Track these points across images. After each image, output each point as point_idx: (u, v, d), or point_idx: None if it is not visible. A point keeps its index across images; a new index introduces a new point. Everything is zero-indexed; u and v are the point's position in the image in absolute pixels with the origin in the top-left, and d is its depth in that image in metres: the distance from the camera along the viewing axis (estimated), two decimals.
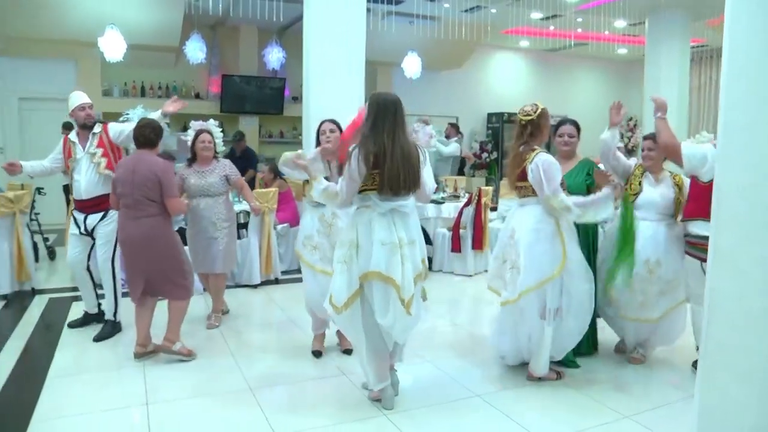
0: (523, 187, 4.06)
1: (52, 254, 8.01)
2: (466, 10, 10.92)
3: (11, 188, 7.42)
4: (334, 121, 4.37)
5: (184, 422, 3.57)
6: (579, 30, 12.16)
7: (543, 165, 3.88)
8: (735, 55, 2.57)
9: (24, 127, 10.93)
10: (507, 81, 15.28)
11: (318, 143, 4.34)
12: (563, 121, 4.63)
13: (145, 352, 4.50)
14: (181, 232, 5.98)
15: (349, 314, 3.57)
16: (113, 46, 9.19)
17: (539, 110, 4.06)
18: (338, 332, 4.69)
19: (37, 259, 7.01)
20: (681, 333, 4.53)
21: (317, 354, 4.62)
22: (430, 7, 10.37)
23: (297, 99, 12.14)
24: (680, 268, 4.27)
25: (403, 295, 3.49)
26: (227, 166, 5.45)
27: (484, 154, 13.82)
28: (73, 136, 5.12)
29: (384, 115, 3.49)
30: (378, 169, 3.45)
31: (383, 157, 3.43)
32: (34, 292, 6.35)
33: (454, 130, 11.14)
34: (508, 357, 4.32)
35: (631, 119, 14.82)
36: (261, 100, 12.28)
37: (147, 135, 4.47)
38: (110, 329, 5.03)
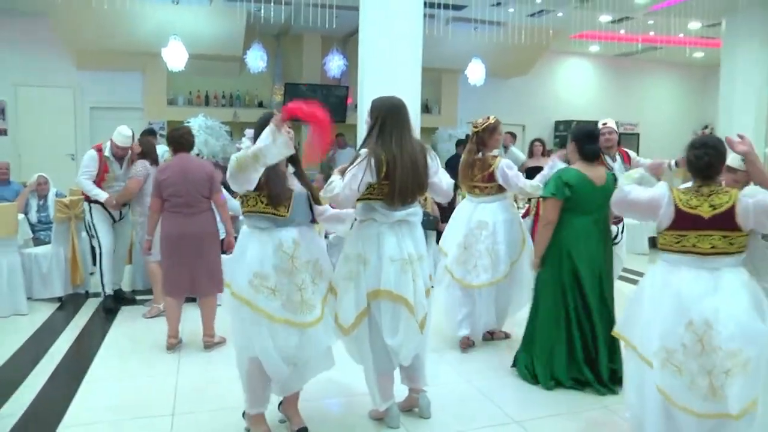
0: (488, 187, 4.84)
1: None
2: (531, 15, 10.63)
3: (73, 194, 7.57)
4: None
5: None
6: (651, 33, 11.65)
7: (507, 167, 4.74)
8: None
9: (95, 134, 11.25)
10: (576, 88, 14.86)
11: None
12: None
13: (177, 342, 4.85)
14: None
15: (355, 335, 3.37)
16: (176, 57, 9.42)
17: (485, 124, 4.86)
18: (285, 406, 3.52)
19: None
20: None
21: None
22: (494, 12, 10.12)
23: None
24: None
25: (417, 315, 3.33)
26: None
27: None
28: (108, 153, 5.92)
29: (391, 122, 3.32)
30: (387, 179, 3.26)
31: (393, 167, 3.25)
32: (88, 295, 6.45)
33: (512, 138, 10.67)
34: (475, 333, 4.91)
35: (706, 127, 14.10)
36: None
37: (190, 140, 5.07)
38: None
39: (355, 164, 3.25)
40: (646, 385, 2.96)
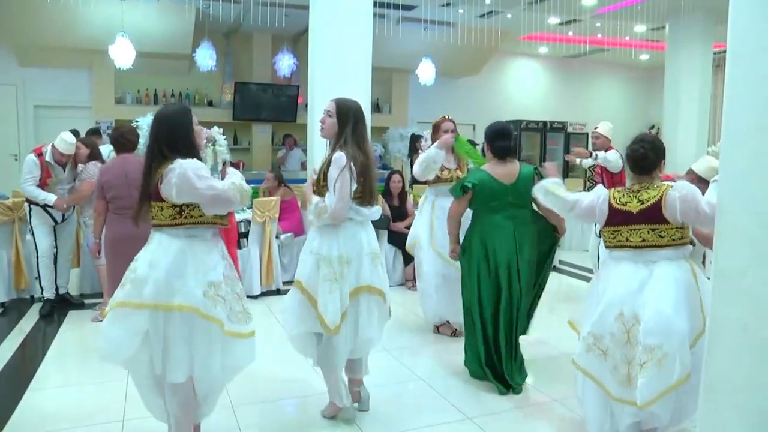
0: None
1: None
2: (481, 16, 10.74)
3: (17, 195, 7.35)
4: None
5: None
6: (599, 35, 11.90)
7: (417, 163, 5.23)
8: (738, 57, 2.34)
9: (39, 134, 10.93)
10: (525, 88, 15.06)
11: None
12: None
13: None
14: None
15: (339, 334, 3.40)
16: (123, 54, 9.20)
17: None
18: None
19: None
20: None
21: None
22: (444, 12, 10.20)
23: None
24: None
25: (389, 303, 3.55)
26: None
27: None
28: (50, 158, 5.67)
29: (362, 122, 3.45)
30: (362, 179, 3.37)
31: (366, 168, 3.38)
32: (33, 300, 6.26)
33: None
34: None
35: (653, 127, 14.48)
36: (275, 107, 12.17)
37: (132, 139, 5.01)
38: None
39: (337, 174, 3.27)
40: (587, 381, 3.14)
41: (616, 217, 3.09)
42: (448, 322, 5.33)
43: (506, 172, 4.17)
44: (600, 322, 3.04)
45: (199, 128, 3.07)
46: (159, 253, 2.89)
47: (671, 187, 3.01)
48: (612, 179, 6.22)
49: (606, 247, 3.21)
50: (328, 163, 3.35)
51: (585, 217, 3.33)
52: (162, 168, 2.85)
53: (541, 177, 4.29)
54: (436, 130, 5.27)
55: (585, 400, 3.18)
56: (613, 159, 6.16)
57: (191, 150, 2.94)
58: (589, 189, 4.24)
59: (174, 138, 2.91)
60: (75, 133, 7.97)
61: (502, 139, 4.20)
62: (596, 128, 6.39)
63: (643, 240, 3.01)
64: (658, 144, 3.15)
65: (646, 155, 3.09)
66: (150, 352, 2.87)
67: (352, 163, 3.29)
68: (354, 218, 3.40)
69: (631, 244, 3.04)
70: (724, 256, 2.36)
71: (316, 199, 3.38)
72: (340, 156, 3.30)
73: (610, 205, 3.12)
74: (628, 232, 3.05)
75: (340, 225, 3.38)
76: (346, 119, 3.39)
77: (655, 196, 3.01)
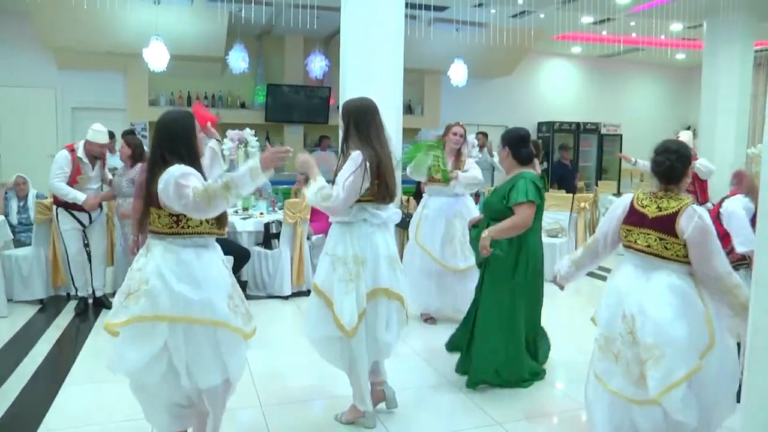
0: None
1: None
2: (513, 16, 10.66)
3: None
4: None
5: None
6: (633, 34, 11.73)
7: None
8: None
9: (77, 135, 11.11)
10: (558, 89, 14.90)
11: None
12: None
13: None
14: None
15: (357, 336, 3.36)
16: (157, 57, 9.34)
17: None
18: None
19: None
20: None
21: None
22: (476, 13, 10.15)
23: None
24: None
25: (407, 309, 3.49)
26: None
27: None
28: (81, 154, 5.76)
29: (365, 120, 3.39)
30: (378, 179, 3.32)
31: (383, 167, 3.34)
32: (69, 297, 6.37)
33: (485, 138, 10.65)
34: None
35: (689, 128, 14.21)
36: (307, 109, 12.24)
37: None
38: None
39: (352, 169, 3.23)
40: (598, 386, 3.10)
41: (632, 217, 3.06)
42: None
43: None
44: (610, 324, 3.03)
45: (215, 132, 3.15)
46: (168, 263, 2.79)
47: (693, 205, 2.90)
48: (702, 185, 6.46)
49: (622, 245, 3.16)
50: (344, 160, 3.34)
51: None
52: (160, 174, 2.78)
53: None
54: (446, 131, 5.49)
55: (593, 404, 3.13)
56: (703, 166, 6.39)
57: (192, 155, 2.89)
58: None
59: (176, 142, 2.87)
60: (110, 134, 8.14)
61: (527, 146, 4.17)
62: (677, 137, 6.41)
63: (649, 246, 2.95)
64: (684, 152, 3.03)
65: (673, 166, 2.98)
66: (165, 366, 2.81)
67: (368, 163, 3.27)
68: (369, 220, 3.37)
69: (637, 247, 3.00)
70: (764, 264, 2.27)
71: (322, 181, 3.28)
72: (357, 154, 3.29)
73: (632, 203, 3.09)
74: (638, 234, 3.00)
75: (354, 225, 3.36)
76: (347, 119, 3.42)
77: (674, 207, 2.92)
